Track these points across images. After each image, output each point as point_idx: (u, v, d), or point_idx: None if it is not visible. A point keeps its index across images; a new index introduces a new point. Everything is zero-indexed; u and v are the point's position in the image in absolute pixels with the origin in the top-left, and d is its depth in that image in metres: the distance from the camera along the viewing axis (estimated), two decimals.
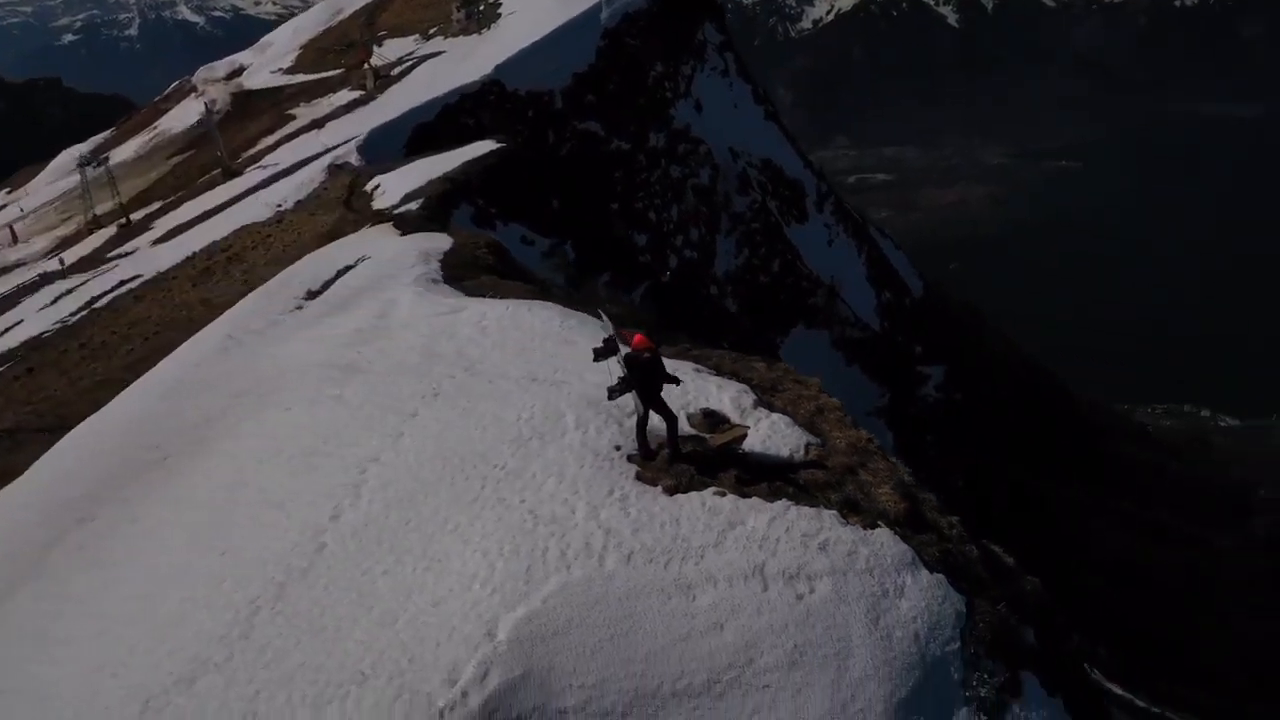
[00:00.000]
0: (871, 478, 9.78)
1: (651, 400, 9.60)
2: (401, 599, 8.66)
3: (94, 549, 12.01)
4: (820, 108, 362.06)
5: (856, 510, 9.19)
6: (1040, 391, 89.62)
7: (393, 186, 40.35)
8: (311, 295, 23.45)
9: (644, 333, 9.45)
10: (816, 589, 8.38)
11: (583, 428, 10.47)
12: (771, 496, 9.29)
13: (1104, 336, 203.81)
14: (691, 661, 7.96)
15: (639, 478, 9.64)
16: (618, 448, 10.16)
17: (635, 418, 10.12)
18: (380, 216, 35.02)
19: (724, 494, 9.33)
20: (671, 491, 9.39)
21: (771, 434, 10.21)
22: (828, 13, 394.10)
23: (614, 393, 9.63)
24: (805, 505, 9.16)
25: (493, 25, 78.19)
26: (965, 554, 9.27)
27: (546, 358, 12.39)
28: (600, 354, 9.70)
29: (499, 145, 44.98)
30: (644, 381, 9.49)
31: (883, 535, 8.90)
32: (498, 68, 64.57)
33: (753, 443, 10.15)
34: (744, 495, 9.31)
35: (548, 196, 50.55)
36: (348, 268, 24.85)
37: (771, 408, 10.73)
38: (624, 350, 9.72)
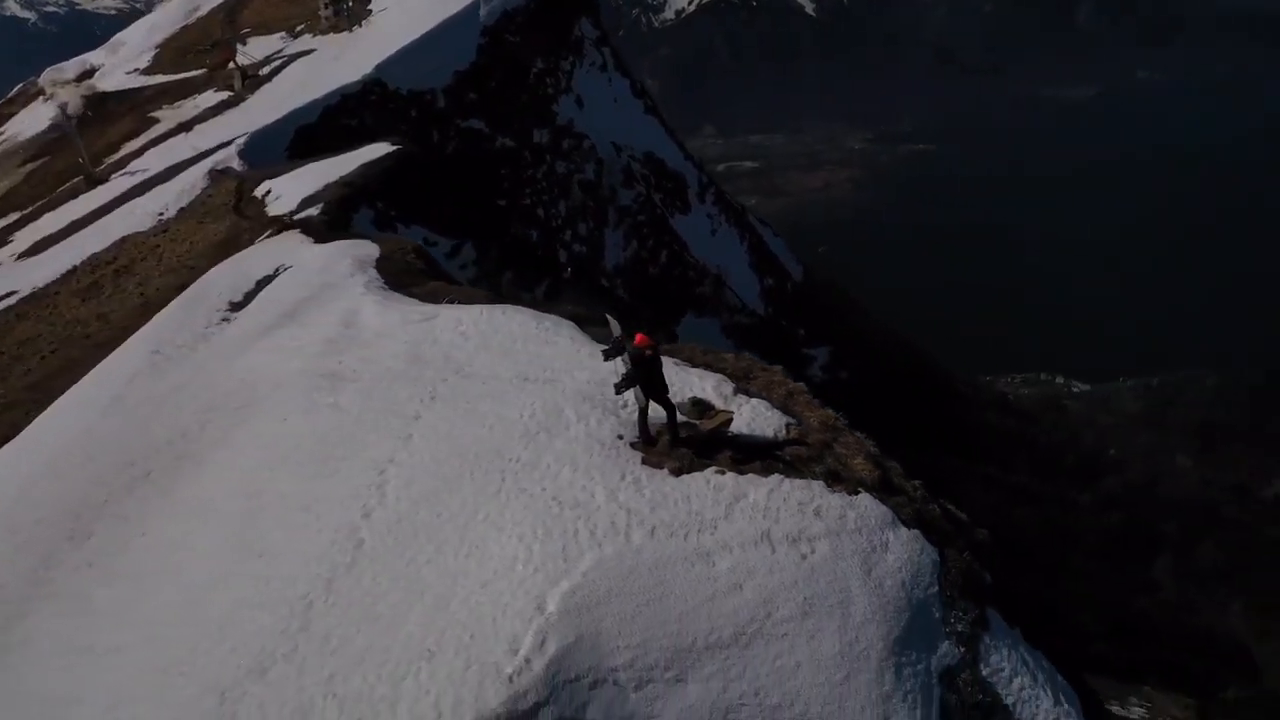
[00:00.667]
0: (845, 450, 11.19)
1: (652, 392, 10.75)
2: (449, 584, 9.59)
3: (107, 564, 12.41)
4: (687, 97, 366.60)
5: (839, 479, 10.58)
6: (911, 367, 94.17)
7: (286, 191, 39.92)
8: (236, 306, 23.61)
9: (645, 332, 10.56)
10: (816, 549, 9.71)
11: (584, 420, 11.55)
12: (765, 472, 10.59)
13: (964, 311, 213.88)
14: (719, 618, 9.18)
15: (645, 462, 10.81)
16: (620, 436, 11.29)
17: (636, 408, 11.26)
18: (279, 223, 34.81)
19: (724, 472, 10.57)
20: (677, 473, 10.58)
21: (754, 417, 11.51)
22: (689, 3, 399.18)
23: (620, 387, 10.76)
24: (795, 478, 10.49)
25: (364, 22, 77.10)
26: (930, 512, 10.77)
27: (532, 358, 13.39)
28: (609, 354, 10.79)
29: (394, 147, 44.98)
30: (645, 376, 10.62)
31: (865, 499, 10.30)
32: (378, 67, 63.95)
33: (738, 425, 11.43)
34: (741, 472, 10.58)
35: (442, 197, 50.80)
36: (268, 277, 25.01)
37: (749, 394, 12.03)
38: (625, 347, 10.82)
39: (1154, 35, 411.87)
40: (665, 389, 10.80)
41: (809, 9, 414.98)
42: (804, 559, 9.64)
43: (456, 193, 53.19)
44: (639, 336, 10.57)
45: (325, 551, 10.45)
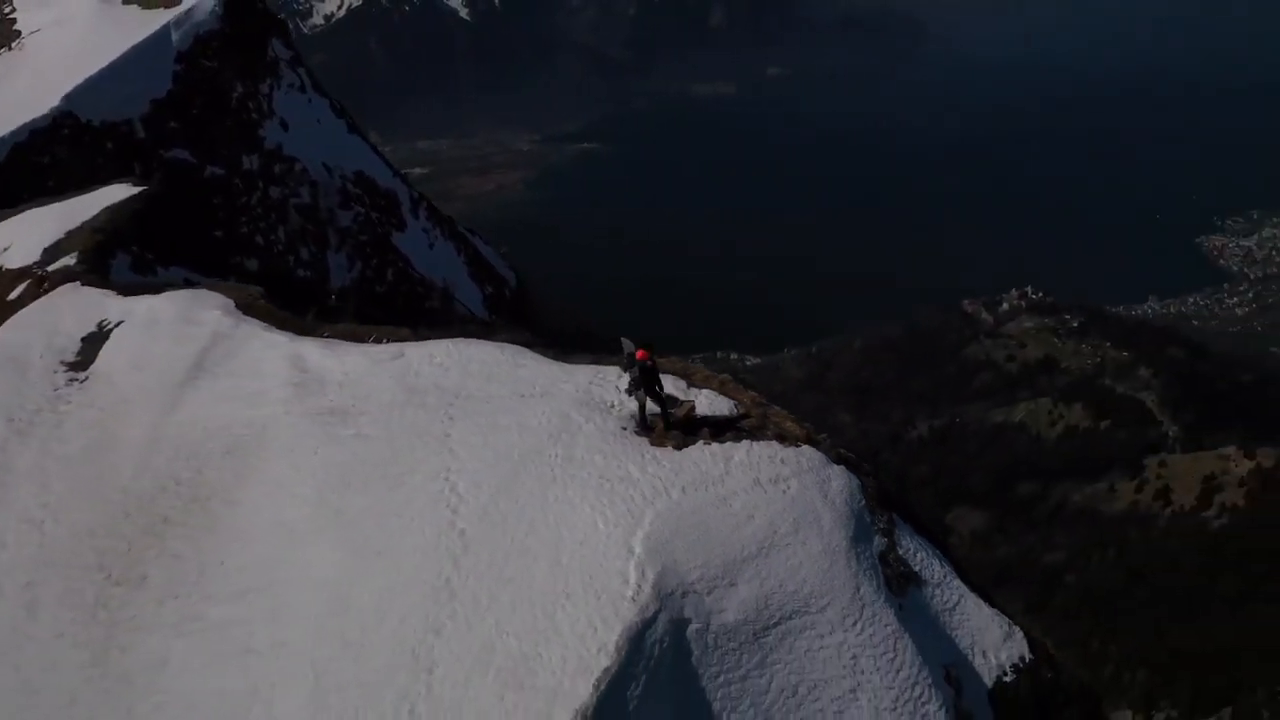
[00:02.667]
0: (777, 418, 15.84)
1: (649, 392, 14.80)
2: (553, 547, 13.16)
3: (192, 594, 14.45)
4: (346, 105, 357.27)
5: (784, 438, 15.22)
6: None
7: (17, 241, 38.47)
8: (79, 365, 24.35)
9: (644, 349, 14.57)
10: (790, 486, 14.30)
11: (590, 421, 15.36)
12: (736, 439, 15.01)
13: (644, 298, 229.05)
14: (745, 540, 13.53)
15: (653, 444, 14.84)
16: (624, 428, 15.24)
17: (625, 409, 15.24)
18: (31, 276, 34.15)
19: (709, 443, 14.88)
20: (679, 448, 14.75)
21: (709, 403, 15.89)
22: (339, 7, 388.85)
23: (630, 390, 14.72)
24: (758, 440, 14.99)
25: (13, 46, 71.52)
26: (840, 453, 15.65)
27: (515, 379, 16.84)
28: (626, 364, 14.67)
29: (137, 188, 44.21)
30: (645, 379, 14.65)
31: (807, 449, 15.03)
32: (67, 97, 60.62)
33: (701, 410, 15.73)
34: (721, 442, 14.95)
35: (189, 235, 50.08)
36: (97, 334, 25.65)
37: (698, 387, 16.35)
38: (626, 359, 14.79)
39: (778, 35, 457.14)
40: (661, 389, 14.89)
41: (463, 13, 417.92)
42: (784, 493, 14.18)
43: (196, 228, 52.32)
44: (640, 352, 14.58)
45: (437, 542, 13.54)
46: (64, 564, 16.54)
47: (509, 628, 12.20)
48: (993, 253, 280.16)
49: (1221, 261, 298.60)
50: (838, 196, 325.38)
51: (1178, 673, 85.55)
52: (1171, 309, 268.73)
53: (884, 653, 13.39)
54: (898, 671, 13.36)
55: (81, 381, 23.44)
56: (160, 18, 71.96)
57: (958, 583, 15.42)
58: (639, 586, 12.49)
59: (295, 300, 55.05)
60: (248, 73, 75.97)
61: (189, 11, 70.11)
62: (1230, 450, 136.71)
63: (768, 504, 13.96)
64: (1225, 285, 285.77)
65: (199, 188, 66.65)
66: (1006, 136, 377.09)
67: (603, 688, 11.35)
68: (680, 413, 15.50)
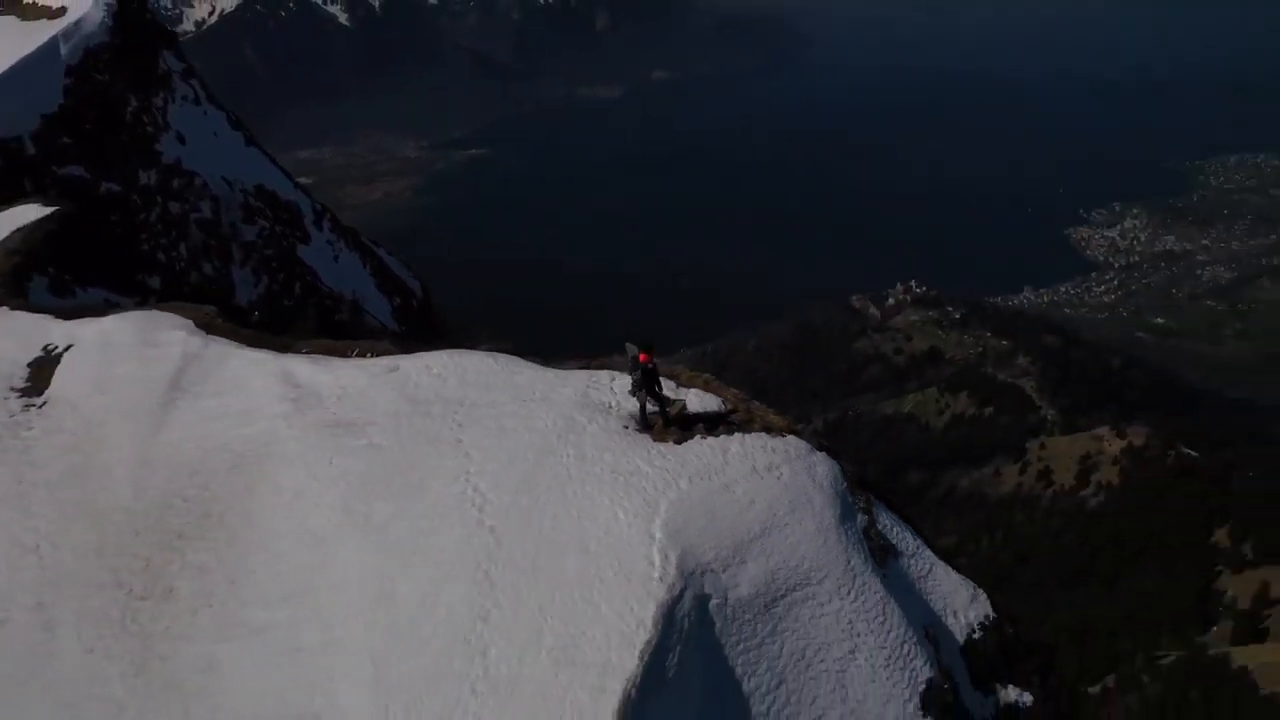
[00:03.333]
0: (761, 413, 17.36)
1: (650, 392, 16.14)
2: (579, 537, 14.39)
3: (228, 602, 15.11)
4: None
5: (771, 430, 16.76)
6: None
7: None
8: (32, 390, 24.38)
9: (645, 353, 15.90)
10: (784, 472, 15.84)
11: (593, 422, 16.61)
12: (729, 433, 16.46)
13: (543, 305, 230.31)
14: (750, 523, 15.01)
15: (655, 440, 16.18)
16: (626, 427, 16.55)
17: (624, 409, 16.56)
18: None
19: (705, 437, 16.30)
20: (679, 442, 16.13)
21: (699, 401, 17.31)
22: (210, 14, 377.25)
23: (634, 390, 16.04)
24: (748, 433, 16.49)
25: None
26: (821, 442, 17.27)
27: (513, 386, 17.92)
28: (631, 367, 15.96)
29: (50, 208, 43.29)
30: (646, 380, 15.99)
31: (793, 439, 16.61)
32: None
33: (693, 407, 17.15)
34: (715, 435, 16.38)
35: (103, 254, 49.05)
36: (45, 359, 25.66)
37: (686, 386, 17.75)
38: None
39: (663, 38, 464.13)
40: (660, 389, 16.25)
41: (342, 18, 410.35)
42: (779, 479, 15.71)
43: (105, 247, 51.16)
44: (643, 355, 15.91)
45: (469, 539, 14.57)
46: (74, 584, 16.90)
47: (552, 611, 13.36)
48: (876, 249, 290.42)
49: (1089, 252, 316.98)
50: (719, 199, 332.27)
51: (1063, 647, 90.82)
52: (1045, 298, 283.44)
53: (875, 617, 15.04)
54: (888, 633, 15.03)
55: (39, 407, 23.45)
56: (45, 30, 69.80)
57: (928, 553, 17.24)
58: (664, 568, 13.82)
59: (227, 317, 54.41)
60: (140, 86, 74.18)
61: (78, 23, 68.20)
62: (1103, 431, 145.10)
63: (766, 489, 15.47)
64: (1093, 274, 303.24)
65: (96, 205, 65.02)
66: (884, 138, 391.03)
67: (646, 658, 12.65)
68: (674, 411, 16.88)
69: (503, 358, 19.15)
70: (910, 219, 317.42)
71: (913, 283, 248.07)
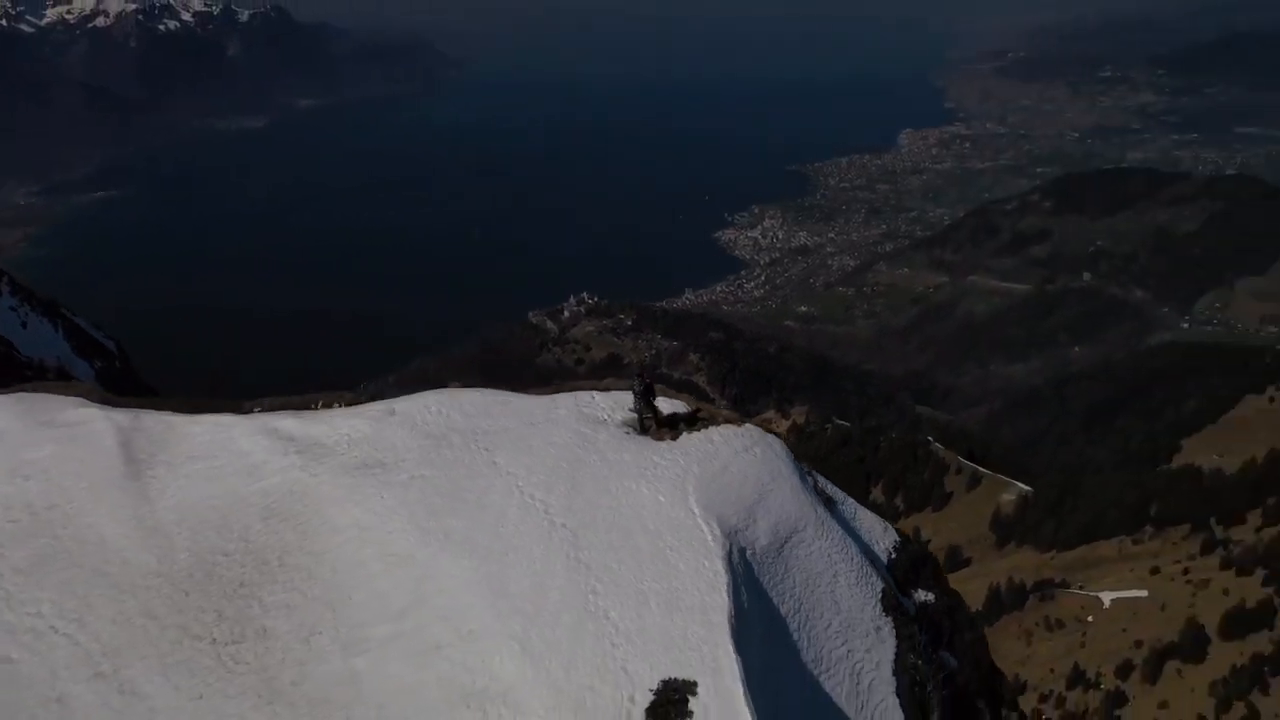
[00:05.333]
0: (715, 411, 21.88)
1: (647, 404, 20.17)
2: (638, 521, 18.16)
3: (339, 625, 17.10)
4: None
5: (732, 421, 21.32)
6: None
7: None
8: None
9: (645, 373, 19.90)
10: (756, 452, 20.54)
11: (599, 431, 20.33)
12: (703, 428, 20.83)
13: (217, 344, 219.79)
14: (749, 491, 19.59)
15: (656, 439, 20.19)
16: (627, 432, 20.37)
17: (620, 419, 20.48)
18: None
19: (690, 432, 20.56)
20: (675, 438, 20.26)
21: (669, 405, 21.51)
22: None
23: (636, 403, 19.99)
24: (717, 426, 20.97)
25: None
26: (768, 428, 22.06)
27: (512, 413, 21.02)
28: (636, 385, 19.84)
29: None
30: (646, 394, 20.03)
31: (750, 427, 21.31)
32: None
33: (665, 410, 21.33)
34: (696, 430, 20.66)
35: None
36: None
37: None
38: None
39: (306, 64, 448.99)
40: (654, 399, 20.31)
41: None
42: (756, 457, 20.34)
43: None
44: (641, 374, 19.91)
45: (549, 534, 17.77)
46: (138, 648, 17.95)
47: (644, 576, 17.06)
48: (545, 266, 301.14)
49: (736, 252, 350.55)
50: (381, 229, 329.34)
51: None
52: (704, 298, 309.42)
53: (842, 549, 20.08)
54: (852, 560, 20.13)
55: None
56: None
57: (851, 500, 22.59)
58: (712, 532, 17.97)
59: None
60: None
61: None
62: (770, 414, 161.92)
63: (750, 466, 20.02)
64: (742, 272, 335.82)
65: None
66: (541, 155, 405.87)
67: (730, 596, 16.75)
68: (662, 416, 21.00)
69: (487, 391, 22.15)
70: (574, 234, 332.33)
71: (585, 294, 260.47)
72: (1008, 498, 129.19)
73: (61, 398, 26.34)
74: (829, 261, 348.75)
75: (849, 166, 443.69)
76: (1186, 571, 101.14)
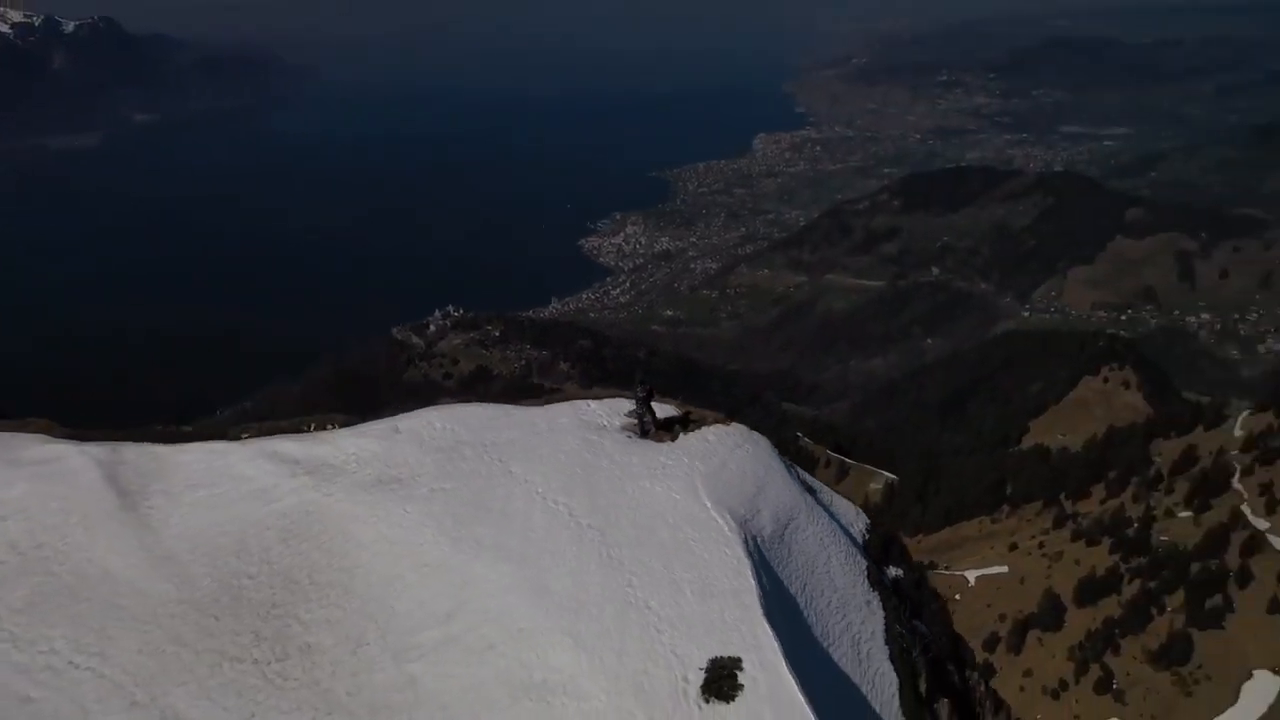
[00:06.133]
0: (702, 413, 23.44)
1: (647, 410, 21.56)
2: (658, 518, 19.51)
3: (386, 635, 17.73)
4: None
5: (720, 422, 22.93)
6: None
7: None
8: None
9: (644, 381, 21.27)
10: (748, 448, 22.26)
11: (604, 437, 21.59)
12: (696, 429, 22.37)
13: (64, 372, 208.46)
14: (749, 485, 21.28)
15: (658, 441, 21.59)
16: (630, 437, 21.69)
17: (620, 426, 21.82)
18: None
19: (687, 434, 22.04)
20: (673, 439, 21.70)
21: (661, 409, 22.95)
22: None
23: (639, 409, 21.35)
24: (709, 427, 22.55)
25: None
26: (751, 425, 23.73)
27: (515, 425, 21.97)
28: (638, 394, 21.17)
29: None
30: (647, 401, 21.42)
31: (737, 425, 23.01)
32: None
33: (663, 414, 22.76)
34: (690, 431, 22.18)
35: None
36: None
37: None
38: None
39: (140, 78, 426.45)
40: (652, 408, 21.72)
41: None
42: (748, 453, 22.03)
43: None
44: (644, 381, 21.29)
45: (579, 535, 18.87)
46: (175, 674, 18.16)
47: (674, 567, 18.43)
48: (408, 281, 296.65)
49: (600, 259, 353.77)
50: (222, 250, 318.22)
51: None
52: (571, 306, 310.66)
53: (830, 533, 21.97)
54: (839, 541, 22.05)
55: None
56: None
57: (828, 489, 24.52)
58: (727, 523, 19.51)
59: None
60: None
61: None
62: None
63: (746, 461, 21.68)
64: (608, 279, 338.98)
65: None
66: (396, 169, 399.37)
67: (755, 579, 18.32)
68: (659, 420, 22.42)
69: (485, 405, 23.04)
70: (435, 247, 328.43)
71: (450, 308, 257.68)
72: (875, 486, 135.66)
73: (19, 435, 25.77)
74: (692, 265, 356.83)
75: (707, 171, 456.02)
76: (1042, 546, 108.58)
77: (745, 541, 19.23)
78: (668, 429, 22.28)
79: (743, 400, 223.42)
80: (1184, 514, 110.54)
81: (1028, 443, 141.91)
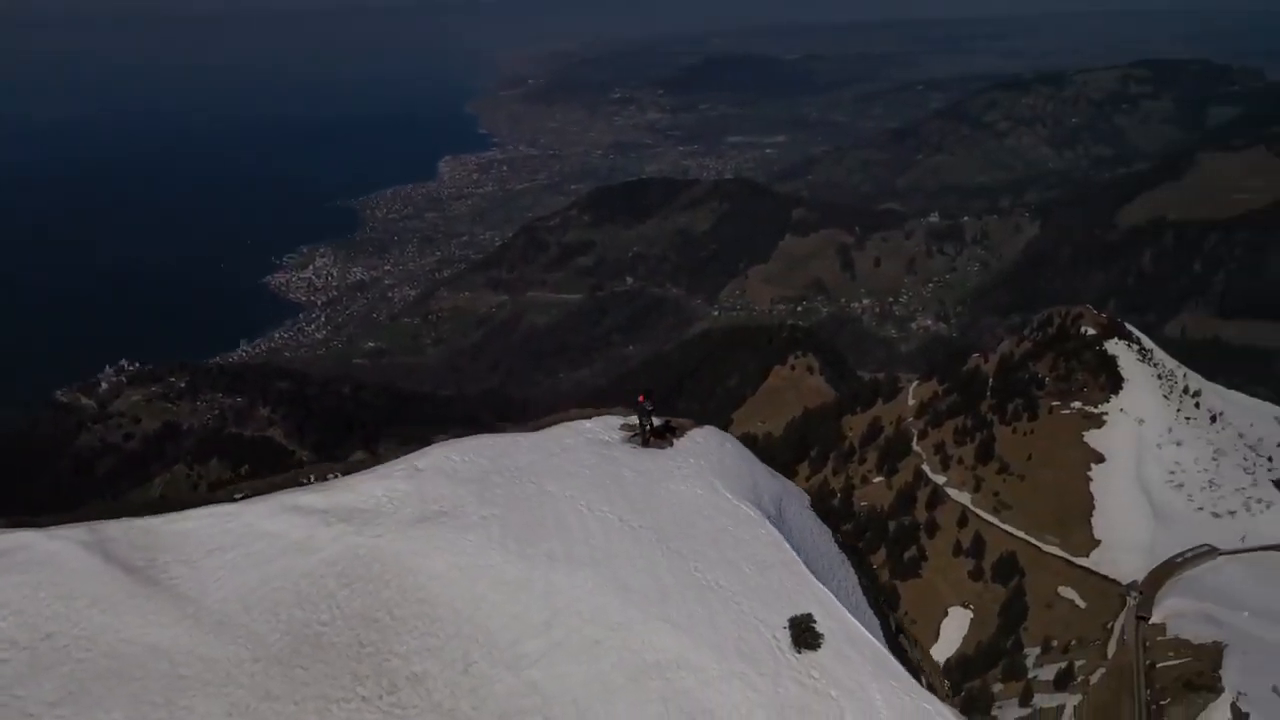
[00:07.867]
0: (679, 421, 26.18)
1: (647, 421, 24.09)
2: (694, 512, 22.06)
3: (490, 651, 18.92)
4: None
5: (698, 426, 25.83)
6: None
7: None
8: None
9: (644, 395, 23.75)
10: (729, 446, 25.36)
11: (614, 449, 23.79)
12: (684, 433, 25.16)
13: None
14: (744, 475, 24.36)
15: (658, 449, 24.13)
16: (634, 447, 24.06)
17: (623, 437, 24.23)
18: None
19: (679, 438, 24.74)
20: (670, 445, 24.34)
21: (652, 421, 25.49)
22: None
23: (641, 420, 23.83)
24: (690, 430, 25.40)
25: None
26: (719, 429, 26.73)
27: (530, 449, 23.51)
28: (639, 409, 23.57)
29: None
30: (645, 414, 23.95)
31: (710, 428, 25.99)
32: None
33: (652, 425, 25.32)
34: (679, 437, 24.92)
35: None
36: None
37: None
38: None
39: None
40: (652, 419, 24.22)
41: None
42: (731, 450, 25.09)
43: None
44: (641, 397, 23.77)
45: (636, 537, 20.93)
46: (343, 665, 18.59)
47: (723, 549, 21.06)
48: (70, 337, 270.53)
49: (291, 295, 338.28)
50: None
51: None
52: (262, 348, 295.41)
53: (803, 508, 25.49)
54: (809, 515, 25.61)
55: None
56: None
57: (778, 473, 27.95)
58: (749, 509, 22.45)
59: None
60: None
61: None
62: (361, 454, 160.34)
63: (733, 457, 24.69)
64: (300, 315, 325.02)
65: None
66: (57, 208, 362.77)
67: (791, 551, 21.42)
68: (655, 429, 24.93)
69: (483, 436, 24.35)
70: (95, 298, 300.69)
71: (124, 362, 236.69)
72: None
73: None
74: (389, 294, 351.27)
75: (394, 197, 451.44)
76: None
77: (766, 520, 22.27)
78: (662, 436, 24.84)
79: (458, 423, 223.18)
80: (877, 479, 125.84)
81: (735, 433, 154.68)
